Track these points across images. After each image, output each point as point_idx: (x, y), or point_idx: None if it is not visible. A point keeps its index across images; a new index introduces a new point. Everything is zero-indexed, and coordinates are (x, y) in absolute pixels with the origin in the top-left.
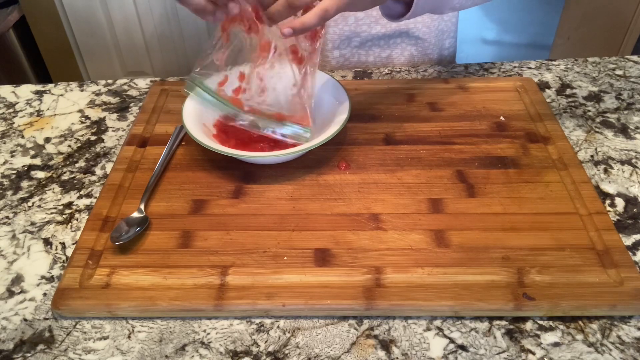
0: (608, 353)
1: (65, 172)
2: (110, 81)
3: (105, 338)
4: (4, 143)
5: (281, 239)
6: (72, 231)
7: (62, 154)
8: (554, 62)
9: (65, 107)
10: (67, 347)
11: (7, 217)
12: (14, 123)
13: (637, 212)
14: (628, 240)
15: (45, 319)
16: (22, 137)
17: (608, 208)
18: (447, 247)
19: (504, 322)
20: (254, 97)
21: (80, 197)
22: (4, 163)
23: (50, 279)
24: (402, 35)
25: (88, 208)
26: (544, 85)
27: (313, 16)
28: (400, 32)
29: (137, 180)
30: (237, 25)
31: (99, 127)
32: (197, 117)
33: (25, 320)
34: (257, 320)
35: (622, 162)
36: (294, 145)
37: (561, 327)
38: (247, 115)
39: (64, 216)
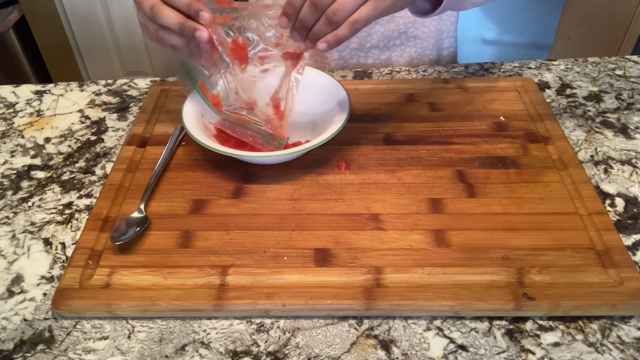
0: (608, 353)
1: (65, 172)
2: (110, 81)
3: (105, 338)
4: (4, 143)
5: (281, 239)
6: (72, 231)
7: (62, 154)
8: (554, 62)
9: (65, 107)
10: (67, 347)
11: (7, 217)
12: (14, 123)
13: (637, 212)
14: (628, 240)
15: (45, 319)
16: (22, 137)
17: (608, 208)
18: (447, 247)
19: (504, 322)
20: (233, 106)
21: (80, 197)
22: (4, 163)
23: (50, 279)
24: (400, 37)
25: (88, 208)
26: (544, 85)
27: (345, 27)
28: (400, 33)
29: (137, 180)
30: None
31: (99, 127)
32: (197, 117)
33: (25, 320)
34: (257, 320)
35: (622, 162)
36: (293, 145)
37: (561, 327)
38: (226, 117)
39: (64, 216)
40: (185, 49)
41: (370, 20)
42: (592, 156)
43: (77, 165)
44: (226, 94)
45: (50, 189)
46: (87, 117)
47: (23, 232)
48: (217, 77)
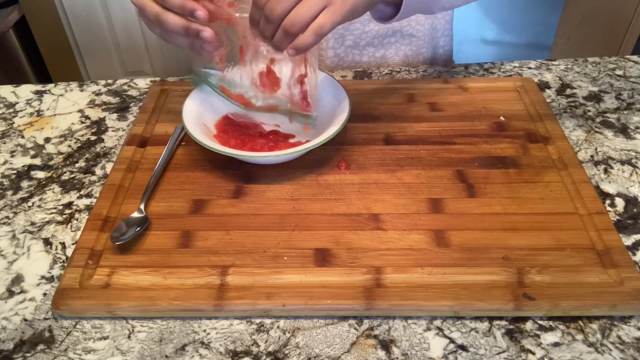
0: (608, 353)
1: (65, 172)
2: (110, 81)
3: (105, 338)
4: (4, 143)
5: (281, 239)
6: (72, 231)
7: (62, 154)
8: (554, 62)
9: (65, 107)
10: (67, 347)
11: (7, 217)
12: (14, 123)
13: (637, 212)
14: (628, 240)
15: (45, 319)
16: (22, 137)
17: (608, 208)
18: (447, 247)
19: (504, 322)
20: (258, 96)
21: (80, 197)
22: (4, 163)
23: (50, 279)
24: (395, 34)
25: (88, 208)
26: (544, 85)
27: (309, 34)
28: (394, 31)
29: (137, 180)
30: (218, 23)
31: (99, 127)
32: (197, 117)
33: (25, 320)
34: (257, 320)
35: (622, 162)
36: (293, 145)
37: (561, 327)
38: (257, 110)
39: (64, 216)
40: (191, 48)
41: (334, 26)
42: (592, 156)
43: (77, 165)
44: (249, 90)
45: (50, 189)
46: (87, 117)
47: (23, 232)
48: (233, 73)
